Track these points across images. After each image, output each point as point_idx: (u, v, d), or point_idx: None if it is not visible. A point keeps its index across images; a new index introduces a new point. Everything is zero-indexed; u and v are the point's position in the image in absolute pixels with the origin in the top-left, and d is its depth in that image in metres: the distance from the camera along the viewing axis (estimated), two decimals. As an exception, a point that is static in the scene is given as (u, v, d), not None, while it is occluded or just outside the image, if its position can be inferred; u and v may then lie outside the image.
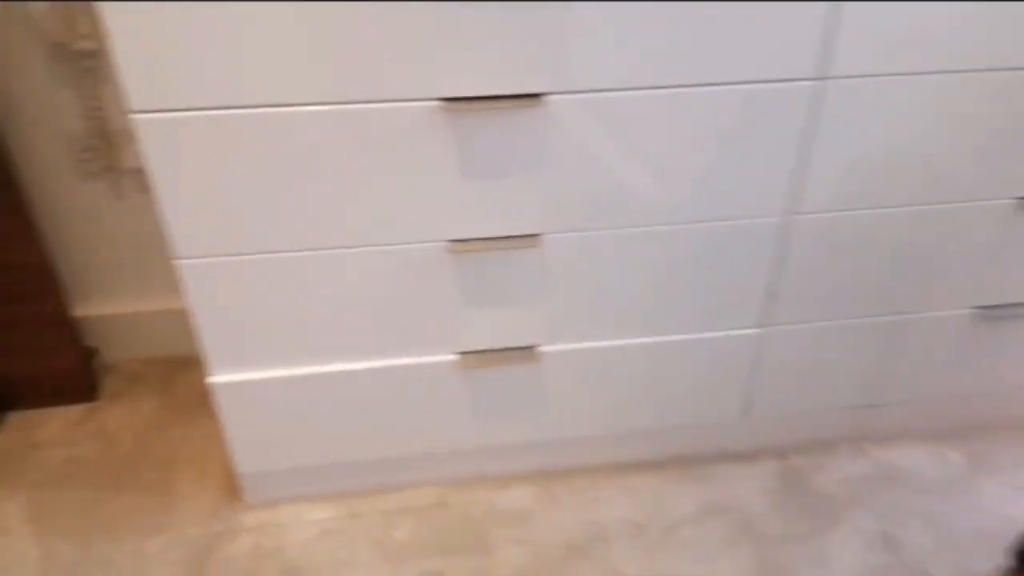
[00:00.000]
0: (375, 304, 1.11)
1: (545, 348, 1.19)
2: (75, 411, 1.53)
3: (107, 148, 1.35)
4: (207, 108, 0.92)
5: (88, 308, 1.56)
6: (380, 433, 1.24)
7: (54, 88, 1.31)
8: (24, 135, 1.36)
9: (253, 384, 1.15)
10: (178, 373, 1.60)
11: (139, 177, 1.40)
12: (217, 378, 1.13)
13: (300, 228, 1.02)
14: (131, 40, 0.86)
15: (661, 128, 1.02)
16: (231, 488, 1.35)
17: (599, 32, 0.93)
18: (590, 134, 1.01)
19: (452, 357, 1.17)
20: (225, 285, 1.06)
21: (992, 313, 1.29)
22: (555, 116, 0.98)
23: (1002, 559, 1.23)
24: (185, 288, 1.04)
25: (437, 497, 1.34)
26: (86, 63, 1.28)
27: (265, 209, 1.00)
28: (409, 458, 1.31)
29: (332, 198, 1.00)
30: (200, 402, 1.53)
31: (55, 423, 1.50)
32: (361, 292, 1.09)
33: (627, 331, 1.21)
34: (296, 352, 1.13)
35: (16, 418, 1.52)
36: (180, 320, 1.56)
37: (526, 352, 1.19)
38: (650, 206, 1.08)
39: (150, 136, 0.93)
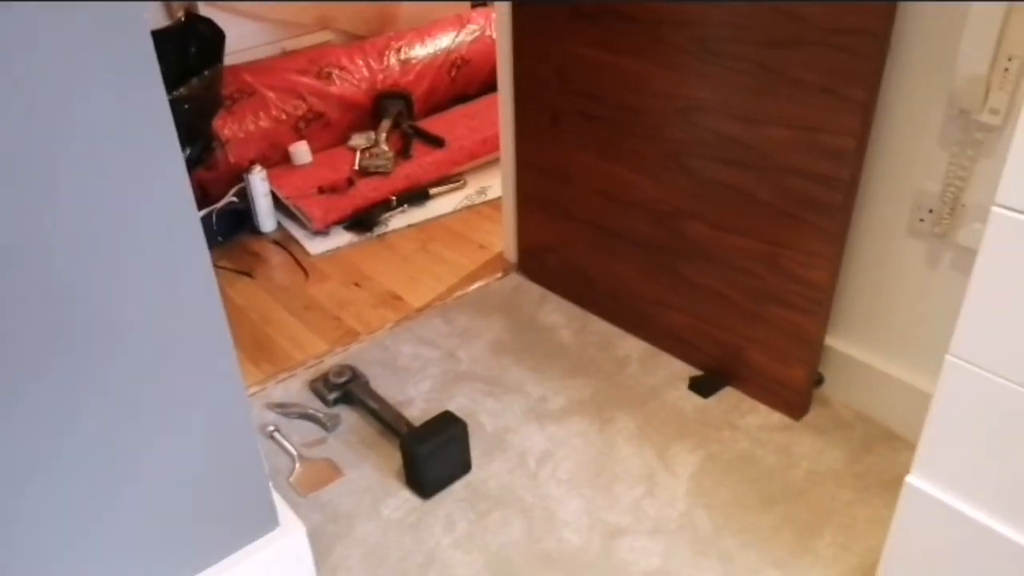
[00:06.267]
0: None
1: None
2: (775, 417, 1.63)
3: (948, 217, 1.34)
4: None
5: (836, 340, 1.62)
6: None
7: (932, 147, 1.33)
8: (880, 176, 1.43)
9: (940, 507, 1.05)
10: (876, 442, 1.56)
11: (961, 257, 1.36)
12: (915, 480, 1.07)
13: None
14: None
15: None
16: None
17: None
18: None
19: None
20: (975, 402, 0.97)
21: None
22: None
23: None
24: (940, 382, 1.00)
25: None
26: (978, 135, 1.26)
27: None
28: None
29: None
30: (880, 480, 1.47)
31: (754, 418, 1.63)
32: None
33: None
34: (1005, 506, 0.99)
35: (728, 393, 1.69)
36: (909, 396, 1.51)
37: None
38: None
39: (998, 232, 0.88)
